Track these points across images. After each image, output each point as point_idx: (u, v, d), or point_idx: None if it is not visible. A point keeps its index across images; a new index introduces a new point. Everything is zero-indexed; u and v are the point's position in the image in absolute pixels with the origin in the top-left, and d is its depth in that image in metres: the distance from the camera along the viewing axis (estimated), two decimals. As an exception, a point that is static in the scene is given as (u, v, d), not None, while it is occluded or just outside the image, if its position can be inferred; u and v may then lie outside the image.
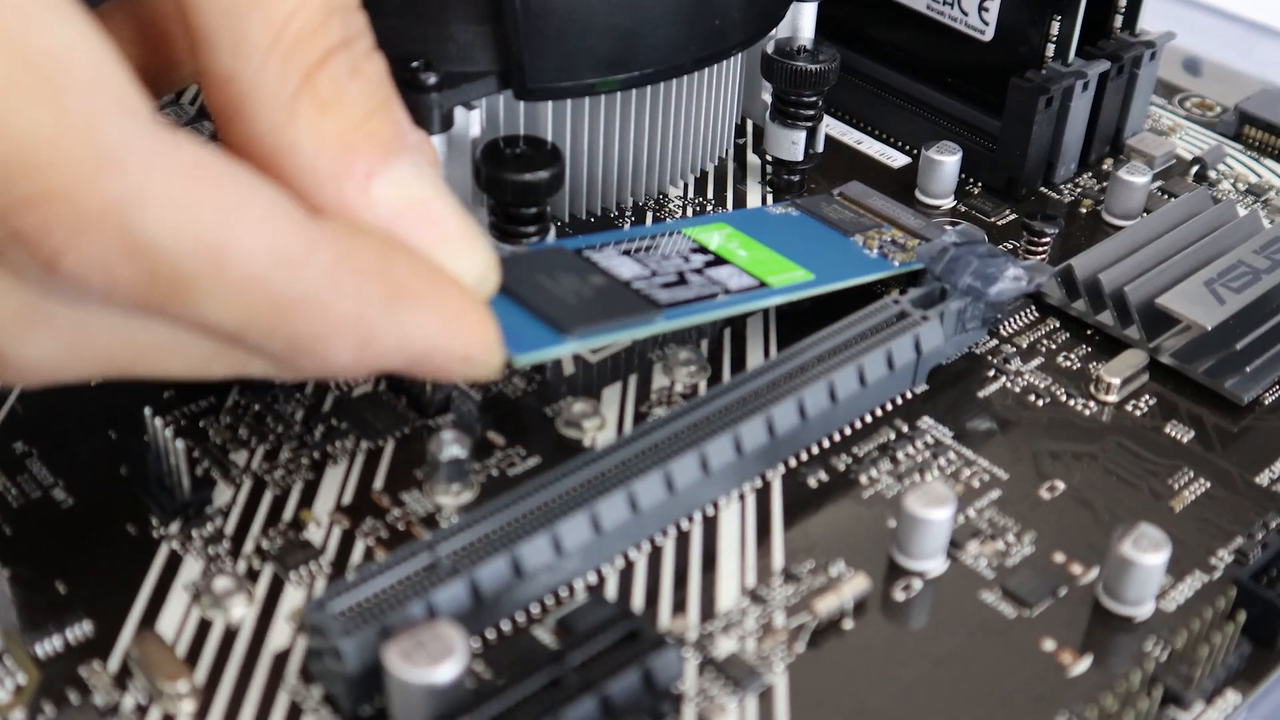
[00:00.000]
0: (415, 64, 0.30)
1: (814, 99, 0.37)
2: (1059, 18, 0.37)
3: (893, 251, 0.34)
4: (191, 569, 0.27)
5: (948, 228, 0.36)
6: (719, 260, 0.31)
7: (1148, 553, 0.26)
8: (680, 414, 0.28)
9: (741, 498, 0.29)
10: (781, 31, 0.38)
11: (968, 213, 0.38)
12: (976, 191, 0.39)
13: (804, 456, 0.30)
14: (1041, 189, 0.39)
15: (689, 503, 0.28)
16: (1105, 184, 0.39)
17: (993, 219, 0.38)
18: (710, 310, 0.29)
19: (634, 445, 0.27)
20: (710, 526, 0.28)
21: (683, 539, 0.28)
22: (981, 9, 0.39)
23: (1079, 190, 0.39)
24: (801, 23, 0.38)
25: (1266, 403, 0.32)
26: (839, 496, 0.29)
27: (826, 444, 0.30)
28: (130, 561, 0.27)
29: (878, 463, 0.30)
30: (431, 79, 0.30)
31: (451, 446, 0.28)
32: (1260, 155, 0.41)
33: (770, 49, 0.36)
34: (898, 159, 0.40)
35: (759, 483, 0.29)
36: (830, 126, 0.42)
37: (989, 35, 0.39)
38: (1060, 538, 0.28)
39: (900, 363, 0.30)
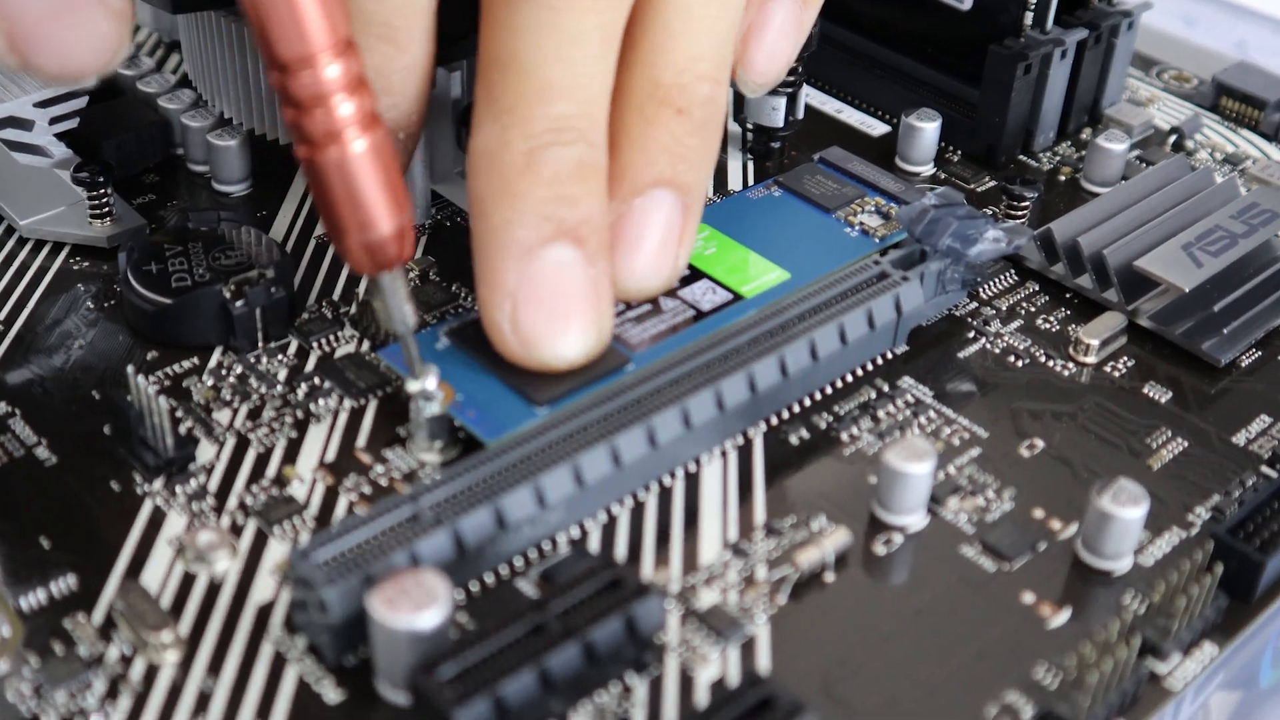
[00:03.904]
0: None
1: (795, 65, 0.37)
2: (1038, -14, 0.38)
3: (874, 222, 0.34)
4: (175, 524, 0.27)
5: (928, 191, 0.37)
6: (694, 274, 0.32)
7: (1126, 507, 0.26)
8: (663, 369, 0.28)
9: (724, 454, 0.29)
10: (762, -1, 0.38)
11: (948, 179, 0.38)
12: (956, 159, 0.39)
13: (785, 415, 0.30)
14: (1021, 157, 0.39)
15: (671, 458, 0.28)
16: (1084, 153, 0.39)
17: (972, 185, 0.38)
18: (681, 341, 0.30)
19: (616, 400, 0.27)
20: (693, 482, 0.28)
21: (665, 494, 0.28)
22: (961, -22, 0.39)
23: (1058, 159, 0.40)
24: (782, -10, 0.38)
25: (1244, 364, 0.33)
26: (820, 454, 0.29)
27: (808, 402, 0.30)
28: (114, 517, 0.27)
29: (858, 421, 0.30)
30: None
31: (432, 404, 0.28)
32: (1237, 126, 0.42)
33: (751, 15, 0.36)
34: (878, 127, 0.41)
35: (741, 440, 0.29)
36: (810, 96, 0.42)
37: (968, 4, 0.39)
38: (1039, 494, 0.29)
39: (881, 322, 0.31)
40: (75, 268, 0.33)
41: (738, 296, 0.31)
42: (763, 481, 0.29)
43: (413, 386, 0.28)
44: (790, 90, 0.37)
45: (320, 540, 0.24)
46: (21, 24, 0.22)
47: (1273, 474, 0.29)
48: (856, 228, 0.34)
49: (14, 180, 0.34)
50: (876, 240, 0.34)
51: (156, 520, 0.27)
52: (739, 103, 0.39)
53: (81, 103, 0.35)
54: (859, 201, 0.35)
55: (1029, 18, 0.38)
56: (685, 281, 0.31)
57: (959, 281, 0.32)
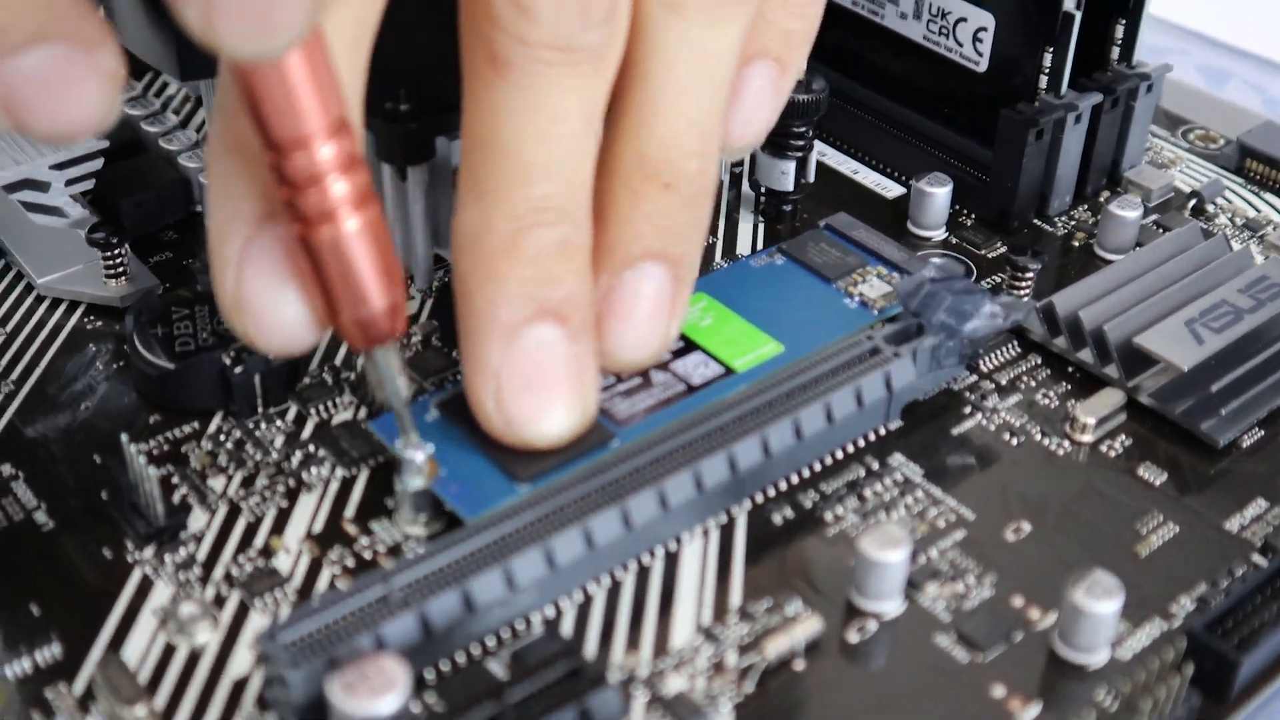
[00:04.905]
0: (393, 100, 0.31)
1: (804, 129, 0.37)
2: (1051, 50, 0.37)
3: (875, 293, 0.34)
4: (162, 594, 0.28)
5: (934, 260, 0.37)
6: (687, 346, 0.32)
7: (1100, 600, 0.26)
8: (645, 447, 0.28)
9: (705, 533, 0.29)
10: (774, 62, 0.38)
11: (959, 244, 0.38)
12: (969, 223, 0.39)
13: (771, 492, 0.30)
14: (1035, 221, 0.39)
15: (650, 538, 0.28)
16: (1099, 217, 0.39)
17: (983, 250, 0.38)
18: (669, 417, 0.30)
19: (594, 480, 0.28)
20: (672, 562, 0.29)
21: (644, 573, 0.28)
22: (975, 40, 0.39)
23: (1073, 223, 0.39)
24: (795, 53, 0.38)
25: (1245, 445, 0.32)
26: (803, 534, 0.29)
27: (795, 480, 0.31)
28: (104, 585, 0.28)
29: (844, 500, 0.30)
30: (410, 110, 0.31)
31: (416, 477, 0.28)
32: (1261, 189, 0.41)
33: (760, 80, 0.36)
34: (893, 189, 0.41)
35: (724, 518, 0.30)
36: (827, 156, 0.42)
37: (983, 66, 0.39)
38: (1021, 581, 0.28)
39: (870, 400, 0.31)
40: (89, 327, 0.34)
41: (729, 370, 0.31)
42: (742, 562, 0.29)
43: (402, 458, 0.28)
44: (800, 154, 0.37)
45: (289, 620, 0.25)
46: (13, 88, 0.23)
47: (1263, 563, 0.29)
48: (856, 298, 0.34)
49: (34, 238, 0.35)
50: (875, 312, 0.33)
51: (144, 589, 0.28)
52: (751, 165, 0.39)
53: (98, 164, 0.36)
54: (860, 271, 0.35)
55: (1044, 80, 0.38)
56: (678, 354, 0.32)
57: (956, 356, 0.32)
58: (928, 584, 0.28)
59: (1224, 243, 0.36)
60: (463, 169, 0.28)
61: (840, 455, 0.31)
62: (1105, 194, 0.40)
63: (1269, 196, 0.41)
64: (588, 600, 0.28)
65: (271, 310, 0.26)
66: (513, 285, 0.28)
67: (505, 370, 0.28)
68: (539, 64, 0.27)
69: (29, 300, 0.35)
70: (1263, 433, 0.32)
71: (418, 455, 0.28)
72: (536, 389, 0.28)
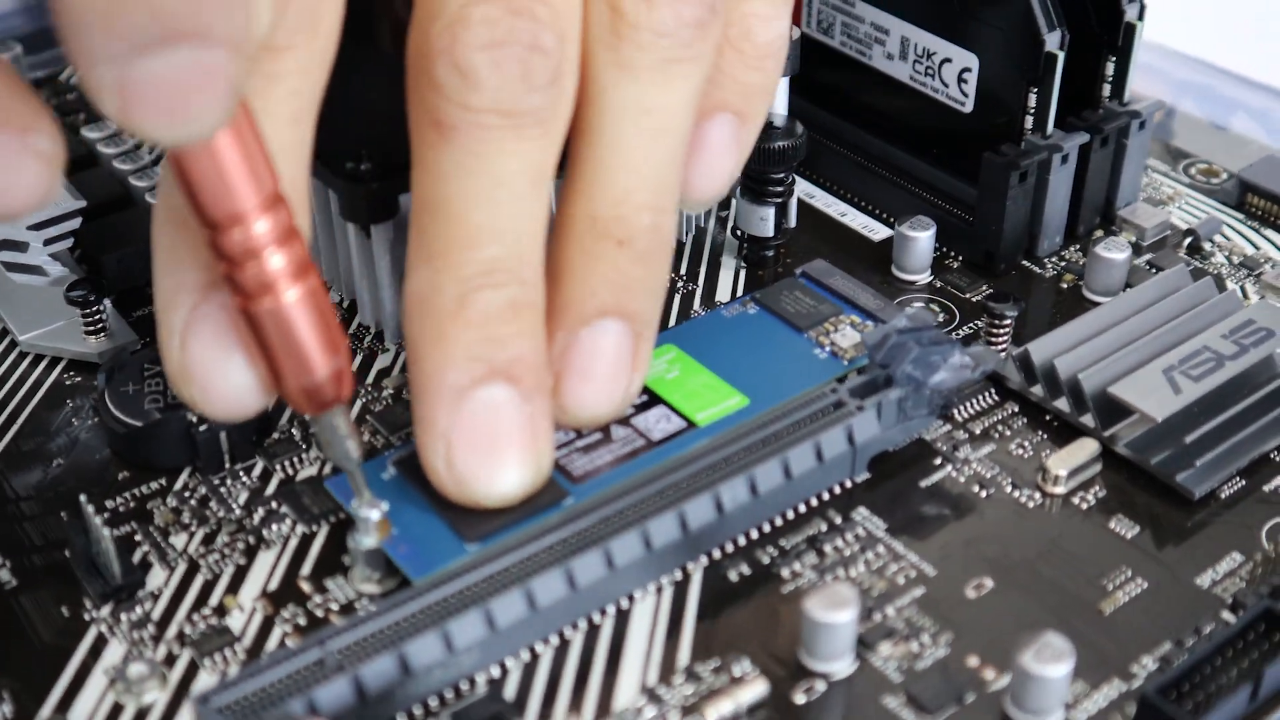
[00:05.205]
0: (355, 161, 0.32)
1: (782, 174, 0.37)
2: (1035, 90, 0.37)
3: (847, 342, 0.33)
4: (115, 653, 0.28)
5: (918, 306, 0.36)
6: (651, 399, 0.32)
7: (1049, 664, 0.26)
8: (596, 505, 0.28)
9: (659, 591, 0.29)
10: (755, 106, 0.38)
11: (943, 288, 0.38)
12: (956, 265, 0.38)
13: (730, 548, 0.30)
14: (1024, 263, 0.39)
15: (597, 597, 0.28)
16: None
17: (968, 294, 0.37)
18: (626, 473, 0.30)
19: (542, 540, 0.27)
20: (623, 620, 0.28)
21: (593, 632, 0.28)
22: (961, 80, 0.38)
23: (1063, 264, 0.39)
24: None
25: (1224, 496, 0.31)
26: (758, 591, 0.29)
27: (755, 535, 0.30)
28: (59, 643, 0.28)
29: (803, 556, 0.30)
30: (372, 170, 0.31)
31: (368, 536, 0.28)
32: (1262, 225, 0.40)
33: (737, 126, 0.36)
34: (880, 232, 0.40)
35: (679, 575, 0.29)
36: (815, 198, 0.42)
37: (969, 107, 0.38)
38: (978, 640, 0.28)
39: (831, 455, 0.30)
40: (68, 383, 0.35)
41: (692, 424, 0.31)
42: (693, 620, 0.28)
43: (356, 517, 0.28)
44: (779, 200, 0.37)
45: (224, 683, 0.25)
46: None
47: (1232, 620, 0.28)
48: (827, 349, 0.34)
49: (17, 294, 0.36)
50: (845, 363, 0.33)
51: (98, 648, 0.28)
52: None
53: (76, 223, 0.37)
54: (834, 320, 0.34)
55: (1029, 121, 0.37)
56: (640, 408, 0.32)
57: (925, 407, 0.32)
58: (881, 643, 0.28)
59: (1212, 285, 0.35)
60: (411, 232, 0.28)
61: (803, 509, 0.31)
62: (1099, 233, 0.40)
63: (1269, 233, 0.40)
64: (535, 660, 0.28)
65: (217, 378, 0.27)
66: (460, 348, 0.28)
67: (455, 432, 0.28)
68: (482, 129, 0.27)
69: (12, 356, 0.35)
70: (1243, 483, 0.32)
71: (371, 514, 0.28)
72: (487, 449, 0.28)
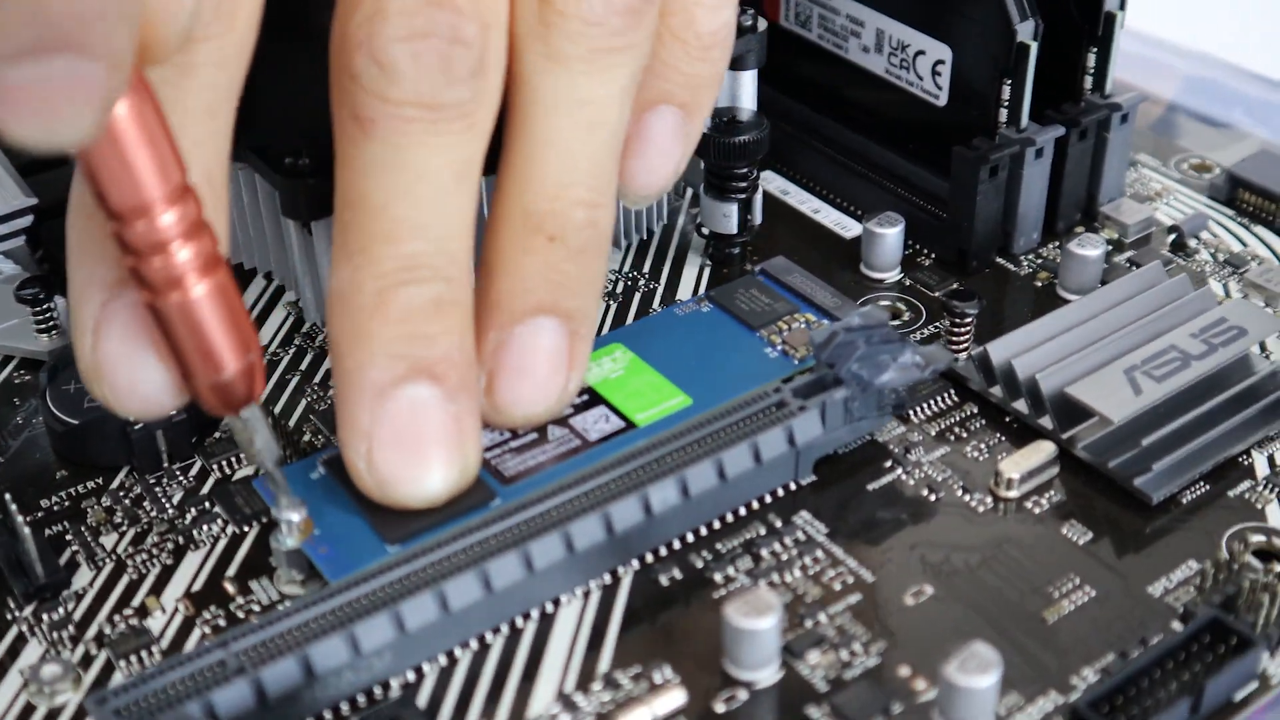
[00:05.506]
0: (294, 156, 0.31)
1: (745, 170, 0.36)
2: (1009, 82, 0.36)
3: (798, 342, 0.33)
4: (33, 653, 0.28)
5: (881, 305, 0.35)
6: (592, 399, 0.31)
7: (974, 675, 0.25)
8: (522, 506, 0.28)
9: (586, 595, 0.28)
10: (721, 100, 0.37)
11: (912, 286, 0.37)
12: (927, 263, 0.37)
13: (663, 551, 0.29)
14: (999, 260, 0.37)
15: (518, 601, 0.27)
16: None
17: (936, 292, 0.36)
18: (558, 474, 0.29)
19: (457, 542, 0.27)
20: (547, 624, 0.28)
21: (515, 636, 0.27)
22: (935, 73, 0.37)
23: (1039, 262, 0.37)
24: (741, 91, 0.37)
25: (1185, 502, 0.30)
26: (688, 596, 0.28)
27: (691, 538, 0.29)
28: (-20, 643, 0.28)
29: (737, 560, 0.29)
30: (311, 165, 0.31)
31: (289, 537, 0.28)
32: (1253, 222, 0.39)
33: (699, 120, 0.35)
34: (852, 228, 0.39)
35: (609, 579, 0.29)
36: (790, 194, 0.41)
37: (943, 100, 0.37)
38: (910, 650, 0.27)
39: (770, 456, 0.29)
40: (18, 381, 0.35)
41: (631, 425, 0.30)
42: (618, 626, 0.28)
43: (278, 518, 0.28)
44: (743, 196, 0.36)
45: (123, 685, 0.24)
46: None
47: (1180, 630, 0.27)
48: (779, 348, 0.33)
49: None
50: (796, 362, 0.32)
51: (16, 648, 0.28)
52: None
53: (27, 221, 0.36)
54: (788, 318, 0.33)
55: (1004, 114, 0.36)
56: (580, 408, 0.31)
57: (874, 407, 0.31)
58: (809, 651, 0.27)
59: (1187, 282, 0.34)
60: (334, 228, 0.28)
61: (744, 512, 0.30)
62: (1080, 230, 0.38)
63: (1260, 230, 0.38)
64: (452, 665, 0.27)
65: (128, 375, 0.26)
66: (380, 345, 0.27)
67: (377, 432, 0.27)
68: (401, 121, 0.26)
69: (-33, 355, 0.36)
70: (1207, 488, 0.30)
71: (292, 515, 0.28)
72: (409, 449, 0.28)
